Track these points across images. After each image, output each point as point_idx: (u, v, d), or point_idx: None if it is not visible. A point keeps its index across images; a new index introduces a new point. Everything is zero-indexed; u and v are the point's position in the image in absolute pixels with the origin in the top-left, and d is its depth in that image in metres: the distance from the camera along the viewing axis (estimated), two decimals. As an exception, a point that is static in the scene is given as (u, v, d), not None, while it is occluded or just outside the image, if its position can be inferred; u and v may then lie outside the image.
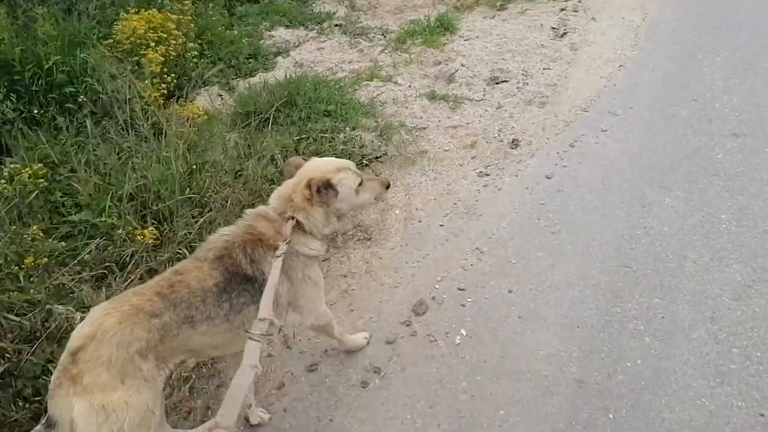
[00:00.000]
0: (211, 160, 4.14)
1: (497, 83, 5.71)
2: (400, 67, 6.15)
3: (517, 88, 5.64)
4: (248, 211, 2.50)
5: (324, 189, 2.39)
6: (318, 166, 2.51)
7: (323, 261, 3.53)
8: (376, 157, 4.66)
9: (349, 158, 4.39)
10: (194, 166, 4.07)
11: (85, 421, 1.80)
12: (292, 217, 2.39)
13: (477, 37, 6.78)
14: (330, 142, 4.64)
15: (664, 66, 6.01)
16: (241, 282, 2.24)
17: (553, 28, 6.94)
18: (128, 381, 1.89)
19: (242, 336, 2.08)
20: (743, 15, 7.13)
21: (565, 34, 6.80)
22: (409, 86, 5.76)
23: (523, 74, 5.89)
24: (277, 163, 4.30)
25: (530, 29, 6.95)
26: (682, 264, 3.56)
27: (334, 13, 7.65)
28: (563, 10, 7.52)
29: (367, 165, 4.58)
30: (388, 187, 2.66)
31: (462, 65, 6.05)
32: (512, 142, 4.84)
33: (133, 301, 2.01)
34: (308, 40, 7.00)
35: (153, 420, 1.97)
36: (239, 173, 4.18)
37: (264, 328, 1.97)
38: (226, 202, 3.89)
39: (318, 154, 4.52)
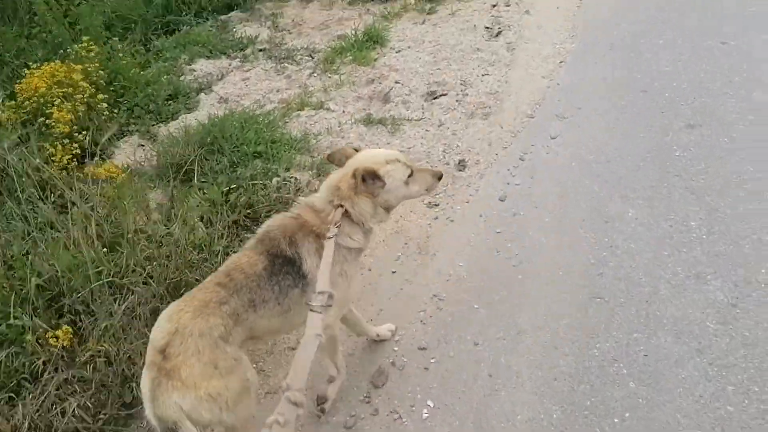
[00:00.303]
0: (131, 230, 3.67)
1: (435, 98, 5.35)
2: (331, 90, 5.74)
3: (457, 101, 5.29)
4: (299, 200, 2.60)
5: (370, 179, 2.39)
6: (367, 157, 2.51)
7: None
8: (315, 200, 4.26)
9: (285, 205, 4.01)
10: (111, 242, 3.61)
11: (198, 412, 1.94)
12: (341, 205, 2.40)
13: (409, 47, 6.40)
14: (263, 189, 4.22)
15: (607, 57, 5.73)
16: (283, 264, 2.31)
17: (487, 28, 6.61)
18: (220, 364, 2.03)
19: (291, 318, 2.37)
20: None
21: (500, 33, 6.48)
22: (343, 111, 5.36)
23: (461, 84, 5.54)
24: (206, 225, 3.87)
25: (463, 32, 6.60)
26: (657, 287, 3.25)
27: (256, 37, 7.18)
28: (495, 6, 7.20)
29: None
30: (440, 178, 2.62)
31: (396, 82, 5.67)
32: (459, 163, 4.48)
33: (199, 296, 2.15)
34: (232, 71, 6.53)
35: (252, 387, 2.19)
36: (162, 242, 3.73)
37: (324, 300, 2.05)
38: (151, 278, 3.44)
39: (251, 206, 4.11)
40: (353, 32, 6.68)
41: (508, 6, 7.17)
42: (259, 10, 8.03)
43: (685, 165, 4.11)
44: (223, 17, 7.94)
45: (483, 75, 5.67)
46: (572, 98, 5.13)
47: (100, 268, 3.34)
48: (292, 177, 4.41)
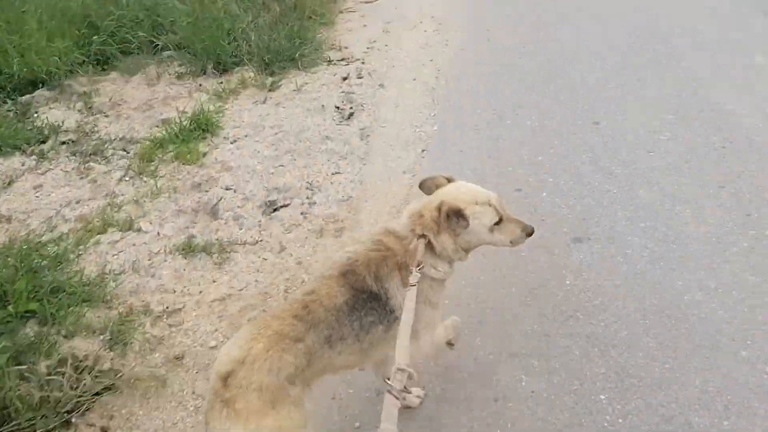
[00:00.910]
0: None
1: (276, 210, 4.32)
2: (145, 201, 4.55)
3: (303, 213, 4.28)
4: (378, 226, 2.59)
5: (455, 217, 2.26)
6: (458, 192, 2.37)
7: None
8: (104, 388, 3.05)
9: (56, 406, 2.81)
10: None
11: None
12: (424, 235, 2.28)
13: (246, 135, 5.35)
14: (21, 380, 2.95)
15: (472, 142, 4.99)
16: (367, 300, 2.19)
17: (338, 108, 5.72)
18: (279, 406, 1.92)
19: (370, 355, 2.29)
20: (548, 59, 6.42)
21: (352, 114, 5.60)
22: (158, 234, 4.18)
23: (308, 188, 4.56)
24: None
25: (311, 113, 5.66)
26: None
27: (62, 124, 5.80)
28: (346, 78, 6.34)
29: (88, 410, 2.95)
30: (530, 234, 2.43)
31: (228, 188, 4.59)
32: (305, 310, 3.47)
33: (275, 327, 2.03)
34: (23, 174, 5.14)
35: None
36: None
37: (403, 381, 1.86)
38: None
39: (5, 408, 2.84)
40: (180, 116, 5.52)
41: (360, 78, 6.34)
42: (69, 88, 6.55)
43: (580, 301, 3.35)
44: (24, 98, 6.40)
45: (334, 173, 4.73)
46: (439, 201, 4.29)
47: None
48: (72, 350, 3.18)
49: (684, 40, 6.33)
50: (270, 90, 6.21)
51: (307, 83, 6.29)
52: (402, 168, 4.77)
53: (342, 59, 6.88)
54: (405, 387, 1.89)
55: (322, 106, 5.77)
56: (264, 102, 5.99)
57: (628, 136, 4.75)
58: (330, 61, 6.83)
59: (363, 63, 6.75)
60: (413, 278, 2.17)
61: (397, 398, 1.80)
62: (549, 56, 6.31)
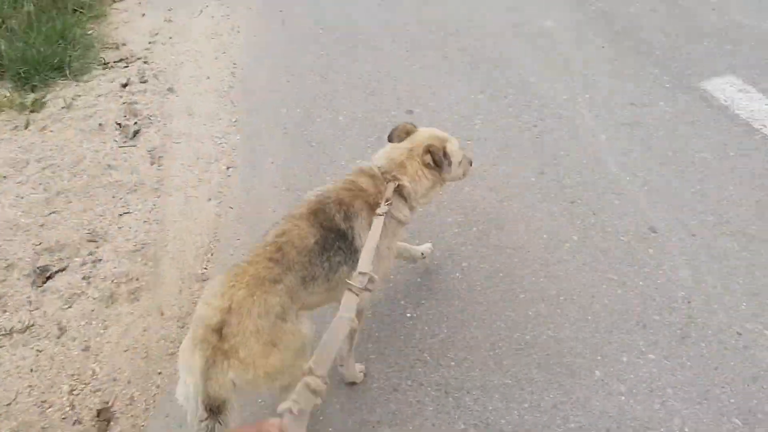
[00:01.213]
0: None
1: (49, 277, 3.45)
2: None
3: (85, 277, 3.45)
4: (352, 166, 2.53)
5: (442, 157, 2.49)
6: (432, 135, 2.60)
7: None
8: None
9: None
10: None
11: (254, 387, 1.97)
12: (396, 179, 2.41)
13: (4, 178, 4.29)
14: None
15: (282, 149, 4.40)
16: (336, 239, 2.25)
17: (120, 125, 4.80)
18: (279, 342, 1.99)
19: (334, 295, 2.26)
20: (352, 44, 5.91)
21: (137, 132, 4.72)
22: None
23: (89, 239, 3.70)
24: None
25: (87, 135, 4.68)
26: None
27: None
28: (126, 85, 5.36)
29: None
30: (471, 163, 2.76)
31: (-18, 255, 3.61)
32: (98, 417, 2.73)
33: (251, 271, 2.06)
34: None
35: (309, 344, 2.11)
36: None
37: (364, 282, 1.99)
38: None
39: None
40: None
41: (144, 82, 5.42)
42: None
43: (424, 338, 2.95)
44: None
45: (122, 214, 3.90)
46: (255, 228, 3.68)
47: None
48: None
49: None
50: (32, 111, 5.06)
51: (79, 96, 5.24)
52: (206, 194, 4.07)
53: (120, 60, 5.85)
54: (366, 287, 1.99)
55: (100, 124, 4.81)
56: (26, 127, 4.87)
57: (445, 124, 4.42)
58: (106, 64, 5.77)
59: (146, 62, 5.78)
60: (381, 210, 2.29)
61: (356, 294, 1.95)
62: (353, 41, 5.80)
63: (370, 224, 2.28)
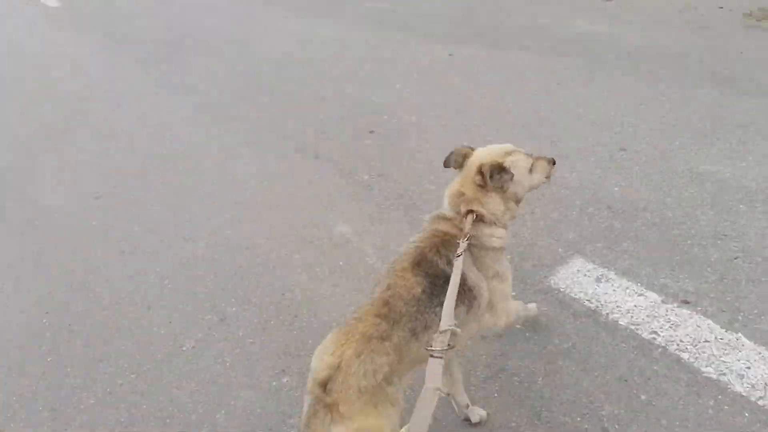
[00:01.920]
0: None
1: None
2: None
3: None
4: (425, 217, 2.48)
5: (497, 173, 2.31)
6: (486, 153, 2.43)
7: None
8: None
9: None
10: None
11: None
12: (470, 211, 2.31)
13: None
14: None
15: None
16: (443, 285, 2.15)
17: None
18: (380, 406, 1.95)
19: (458, 340, 2.14)
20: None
21: None
22: None
23: None
24: None
25: None
26: None
27: None
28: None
29: None
30: (554, 163, 2.55)
31: None
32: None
33: (360, 329, 2.02)
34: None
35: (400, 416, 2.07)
36: None
37: (445, 341, 1.92)
38: None
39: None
40: None
41: None
42: None
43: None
44: None
45: None
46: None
47: None
48: None
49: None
50: None
51: None
52: None
53: None
54: (449, 344, 1.93)
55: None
56: None
57: (129, 209, 4.33)
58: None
59: None
60: (460, 248, 2.21)
61: (440, 358, 1.88)
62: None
63: (472, 261, 2.28)
